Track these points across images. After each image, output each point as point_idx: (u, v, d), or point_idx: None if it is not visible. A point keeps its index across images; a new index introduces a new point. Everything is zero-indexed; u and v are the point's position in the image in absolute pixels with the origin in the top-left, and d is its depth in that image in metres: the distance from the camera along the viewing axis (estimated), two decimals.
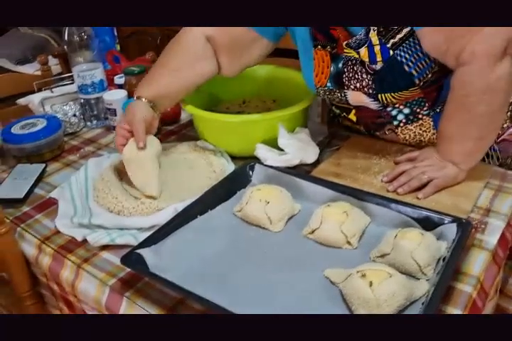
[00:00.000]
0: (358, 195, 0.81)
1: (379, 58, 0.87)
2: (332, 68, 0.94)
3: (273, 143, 0.95)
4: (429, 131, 0.97)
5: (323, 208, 0.79)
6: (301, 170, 0.95)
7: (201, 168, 0.96)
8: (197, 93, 1.10)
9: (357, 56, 0.90)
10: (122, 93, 1.16)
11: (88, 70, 1.17)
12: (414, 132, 0.98)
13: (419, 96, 0.91)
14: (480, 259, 0.73)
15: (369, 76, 0.90)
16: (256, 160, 0.94)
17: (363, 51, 0.88)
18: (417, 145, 1.00)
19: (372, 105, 0.95)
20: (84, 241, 0.79)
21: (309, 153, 0.95)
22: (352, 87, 0.93)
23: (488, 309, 0.79)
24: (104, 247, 0.78)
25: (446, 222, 0.74)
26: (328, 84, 0.96)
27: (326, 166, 0.96)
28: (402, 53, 0.86)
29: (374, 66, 0.88)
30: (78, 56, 1.17)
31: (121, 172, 0.95)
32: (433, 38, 0.81)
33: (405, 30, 0.84)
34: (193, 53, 0.98)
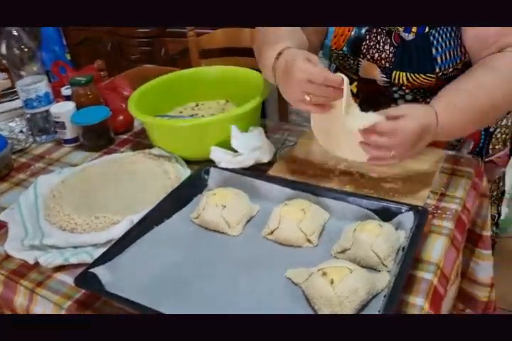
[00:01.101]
0: (314, 191, 0.81)
1: (414, 29, 0.83)
2: (354, 32, 0.91)
3: (228, 145, 0.94)
4: None
5: (280, 207, 0.78)
6: (258, 170, 0.94)
7: (157, 176, 0.94)
8: (147, 100, 1.08)
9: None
10: (70, 105, 1.12)
11: (32, 84, 1.12)
12: None
13: (428, 86, 0.88)
14: (438, 245, 0.74)
15: (392, 48, 0.87)
16: (212, 163, 0.92)
17: None
18: None
19: (381, 81, 0.91)
20: (37, 263, 0.75)
21: (264, 152, 0.94)
22: (369, 56, 0.90)
23: (450, 294, 0.80)
24: (59, 268, 0.75)
25: (403, 211, 0.74)
26: (344, 49, 0.93)
27: (282, 164, 0.95)
28: (437, 35, 0.82)
29: (406, 35, 0.84)
30: (21, 70, 1.13)
31: (74, 187, 0.92)
32: (480, 31, 0.78)
33: None
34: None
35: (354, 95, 1.02)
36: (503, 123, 1.02)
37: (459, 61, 0.85)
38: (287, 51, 0.80)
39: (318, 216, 0.78)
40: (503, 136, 1.04)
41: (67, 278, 0.73)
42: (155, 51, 2.23)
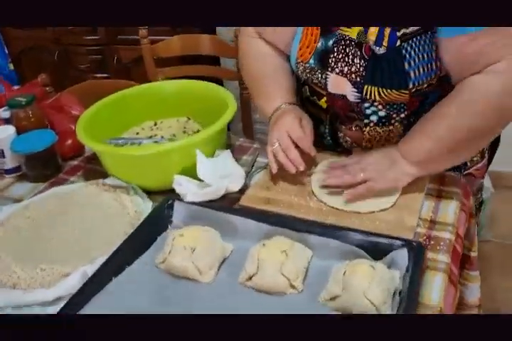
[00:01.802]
0: (295, 227, 0.72)
1: (385, 43, 0.78)
2: (320, 44, 0.85)
3: (193, 172, 0.83)
4: (393, 139, 0.91)
5: (258, 248, 0.69)
6: (229, 199, 0.84)
7: (113, 212, 0.83)
8: (99, 121, 0.96)
9: (354, 36, 0.81)
10: (10, 130, 0.99)
11: None
12: (381, 136, 0.91)
13: (402, 102, 0.84)
14: (436, 284, 0.66)
15: (362, 61, 0.81)
16: (176, 195, 0.82)
17: (374, 28, 0.78)
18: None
19: (352, 96, 0.85)
20: None
21: (234, 179, 0.84)
22: (337, 70, 0.84)
23: None
24: None
25: (396, 247, 0.67)
26: (311, 61, 0.87)
27: (254, 192, 0.85)
28: (409, 48, 0.77)
29: (377, 48, 0.78)
30: None
31: (16, 231, 0.79)
32: (465, 48, 0.72)
33: None
34: (274, 57, 0.97)
35: (323, 111, 0.95)
36: None
37: (433, 76, 0.79)
38: (286, 108, 0.91)
39: (301, 256, 0.69)
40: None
41: None
42: (106, 60, 2.08)
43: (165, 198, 0.80)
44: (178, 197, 0.80)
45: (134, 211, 0.82)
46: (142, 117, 1.06)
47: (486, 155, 1.03)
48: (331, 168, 0.86)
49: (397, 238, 0.68)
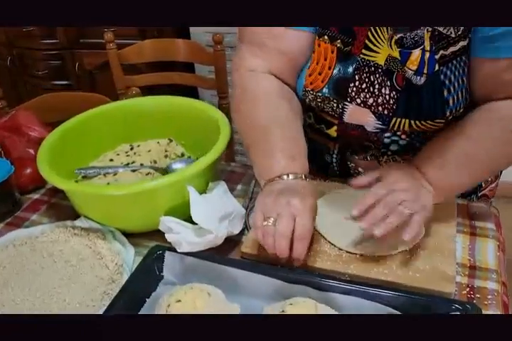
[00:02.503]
0: (315, 284, 0.59)
1: (426, 70, 0.65)
2: (336, 71, 0.71)
3: (184, 210, 0.69)
4: None
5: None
6: (225, 244, 0.69)
7: (87, 264, 0.67)
8: (65, 148, 0.80)
9: (381, 62, 0.68)
10: None
11: None
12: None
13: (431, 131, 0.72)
14: None
15: (393, 93, 0.68)
16: (162, 237, 0.67)
17: (416, 54, 0.65)
18: None
19: (372, 127, 0.73)
20: None
21: (235, 219, 0.70)
22: (358, 101, 0.71)
23: None
24: None
25: (443, 310, 0.55)
26: (324, 90, 0.73)
27: None
28: (448, 72, 0.65)
29: (418, 79, 0.66)
30: None
31: None
32: (503, 73, 0.64)
33: (461, 44, 0.64)
34: (284, 99, 0.75)
35: (331, 139, 0.82)
36: None
37: (468, 98, 0.69)
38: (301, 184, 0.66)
39: None
40: None
41: None
42: (66, 66, 1.88)
43: (152, 248, 0.65)
44: (167, 246, 0.66)
45: (114, 263, 0.67)
46: (116, 140, 0.90)
47: (499, 173, 0.94)
48: (362, 207, 0.64)
49: (445, 299, 0.56)
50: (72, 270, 0.67)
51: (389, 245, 0.68)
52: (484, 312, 0.59)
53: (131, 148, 0.90)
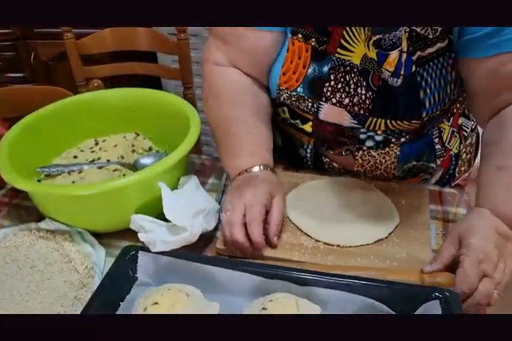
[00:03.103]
0: (296, 279, 0.58)
1: (402, 71, 0.64)
2: (311, 70, 0.69)
3: (155, 207, 0.66)
4: (389, 160, 0.79)
5: (258, 314, 0.54)
6: (202, 241, 0.68)
7: (55, 269, 0.64)
8: (25, 146, 0.76)
9: (356, 62, 0.66)
10: None
11: None
12: (376, 159, 0.78)
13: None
14: None
15: (369, 93, 0.67)
16: (133, 235, 0.64)
17: (394, 56, 0.64)
18: (369, 173, 0.81)
19: (349, 125, 0.72)
20: None
21: (209, 215, 0.68)
22: (334, 100, 0.70)
23: None
24: None
25: (423, 299, 0.55)
26: (299, 90, 0.71)
27: None
28: (425, 74, 0.64)
29: (394, 80, 0.65)
30: None
31: None
32: (497, 65, 0.61)
33: (439, 45, 0.63)
34: (249, 94, 0.76)
35: (306, 134, 0.81)
36: (467, 143, 0.89)
37: (447, 101, 0.69)
38: (261, 174, 0.69)
39: None
40: (468, 155, 0.92)
41: None
42: (21, 57, 1.79)
43: (124, 248, 0.62)
44: (140, 245, 0.63)
45: (84, 266, 0.64)
46: (79, 136, 0.86)
47: (473, 163, 0.96)
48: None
49: (425, 288, 0.56)
50: (39, 275, 0.63)
51: (365, 234, 0.68)
52: None
53: (96, 144, 0.86)
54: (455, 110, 0.80)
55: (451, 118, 0.81)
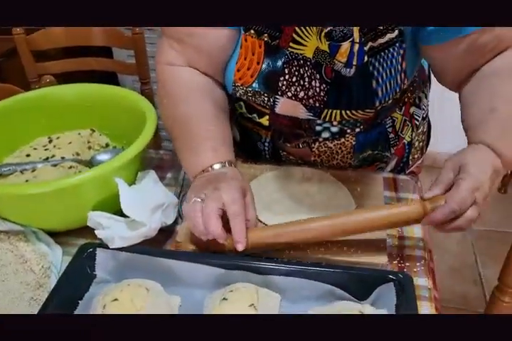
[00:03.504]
0: (255, 268, 0.58)
1: (355, 62, 0.65)
2: (265, 65, 0.70)
3: (113, 204, 0.66)
4: (346, 150, 0.80)
5: (217, 305, 0.55)
6: (161, 235, 0.67)
7: (9, 270, 0.62)
8: None
9: (309, 55, 0.67)
10: None
11: None
12: (332, 150, 0.79)
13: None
14: None
15: (323, 85, 0.68)
16: (91, 232, 0.63)
17: (346, 47, 0.65)
18: (326, 163, 0.83)
19: (305, 117, 0.73)
20: None
21: (167, 209, 0.68)
22: (289, 94, 0.70)
23: None
24: None
25: (378, 282, 0.57)
26: (254, 85, 0.71)
27: None
28: (377, 64, 0.66)
29: (347, 71, 0.66)
30: None
31: None
32: (483, 38, 0.63)
33: (389, 36, 0.64)
34: (205, 92, 0.75)
35: (263, 127, 0.82)
36: (419, 131, 0.92)
37: (398, 90, 0.71)
38: (228, 171, 0.66)
39: (271, 306, 0.56)
40: (420, 143, 0.95)
41: None
42: None
43: (82, 246, 0.62)
44: (98, 242, 0.63)
45: (41, 266, 0.62)
46: (32, 133, 0.84)
47: (425, 150, 0.99)
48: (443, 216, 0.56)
49: (379, 271, 0.58)
50: None
51: None
52: (414, 279, 0.62)
53: (50, 141, 0.84)
54: (406, 99, 0.83)
55: (403, 108, 0.83)
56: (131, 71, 1.49)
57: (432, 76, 0.79)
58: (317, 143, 0.80)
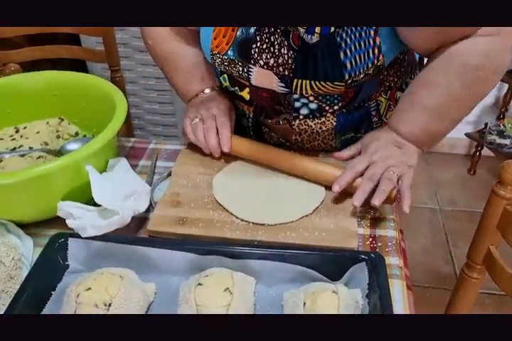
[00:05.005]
0: (229, 253, 0.59)
1: (318, 30, 0.66)
2: (239, 32, 0.71)
3: (83, 192, 0.65)
4: (327, 131, 0.81)
5: (193, 290, 0.55)
6: (134, 223, 0.67)
7: None
8: None
9: None
10: None
11: None
12: (313, 129, 0.80)
13: (336, 94, 0.73)
14: (398, 297, 0.59)
15: (291, 52, 0.68)
16: (62, 223, 0.62)
17: None
18: (307, 143, 0.84)
19: (279, 89, 0.73)
20: None
21: (140, 197, 0.68)
22: (261, 62, 0.71)
23: None
24: None
25: (353, 262, 0.58)
26: (229, 53, 0.72)
27: (163, 210, 0.69)
28: (344, 35, 0.66)
29: (308, 37, 0.66)
30: None
31: None
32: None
33: None
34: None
35: (246, 103, 0.83)
36: None
37: (370, 65, 0.70)
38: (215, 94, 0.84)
39: (246, 290, 0.56)
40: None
41: None
42: None
43: (53, 236, 0.61)
44: (70, 232, 0.62)
45: (11, 258, 0.61)
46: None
47: None
48: (344, 183, 0.68)
49: (352, 252, 0.59)
50: None
51: (294, 211, 0.69)
52: (386, 258, 0.63)
53: (17, 131, 0.82)
54: (393, 84, 0.83)
55: (389, 92, 0.83)
56: (100, 58, 1.46)
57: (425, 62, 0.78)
58: (297, 121, 0.80)
